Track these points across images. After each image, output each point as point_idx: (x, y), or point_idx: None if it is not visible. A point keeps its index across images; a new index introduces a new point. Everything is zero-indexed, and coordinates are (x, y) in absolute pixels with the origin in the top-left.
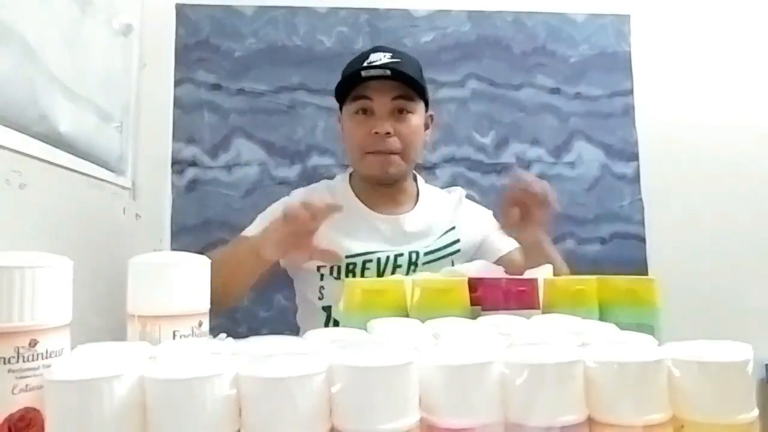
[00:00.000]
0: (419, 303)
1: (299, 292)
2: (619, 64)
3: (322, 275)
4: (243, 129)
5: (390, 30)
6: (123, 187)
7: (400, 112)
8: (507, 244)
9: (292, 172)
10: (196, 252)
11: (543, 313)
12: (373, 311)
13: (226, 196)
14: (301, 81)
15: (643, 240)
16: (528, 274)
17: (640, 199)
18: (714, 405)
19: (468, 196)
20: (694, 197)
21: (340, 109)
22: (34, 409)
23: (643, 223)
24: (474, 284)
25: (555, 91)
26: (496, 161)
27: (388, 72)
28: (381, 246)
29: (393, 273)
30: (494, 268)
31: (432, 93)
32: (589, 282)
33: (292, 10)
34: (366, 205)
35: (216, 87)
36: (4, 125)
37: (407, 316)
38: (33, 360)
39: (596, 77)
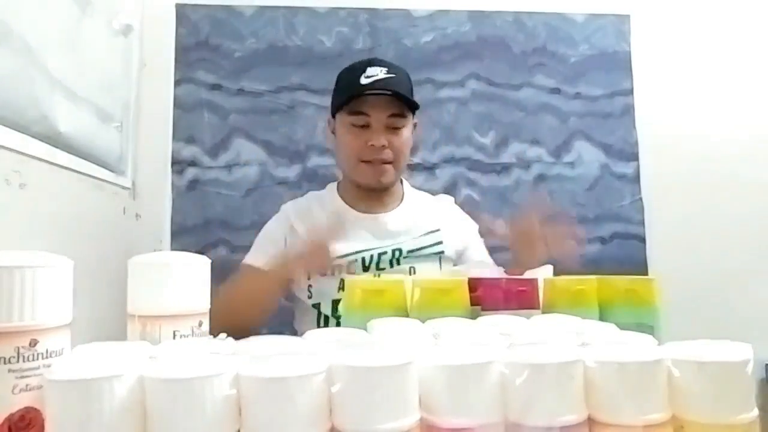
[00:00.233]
0: (419, 303)
1: (289, 294)
2: (619, 64)
3: (309, 275)
4: (243, 129)
5: (390, 30)
6: (123, 187)
7: (394, 127)
8: (485, 257)
9: (291, 172)
10: (196, 252)
11: (543, 313)
12: (373, 311)
13: (226, 196)
14: (301, 81)
15: (643, 240)
16: (528, 274)
17: (640, 199)
18: (714, 405)
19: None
20: (694, 197)
21: (332, 114)
22: (34, 409)
23: (643, 223)
24: (474, 284)
25: (555, 91)
26: (496, 161)
27: (389, 92)
28: (366, 244)
29: (378, 269)
30: (497, 269)
31: (432, 93)
32: (589, 282)
33: (292, 10)
34: (354, 208)
35: (216, 87)
36: (4, 125)
37: (407, 316)
38: (33, 360)
39: (596, 77)
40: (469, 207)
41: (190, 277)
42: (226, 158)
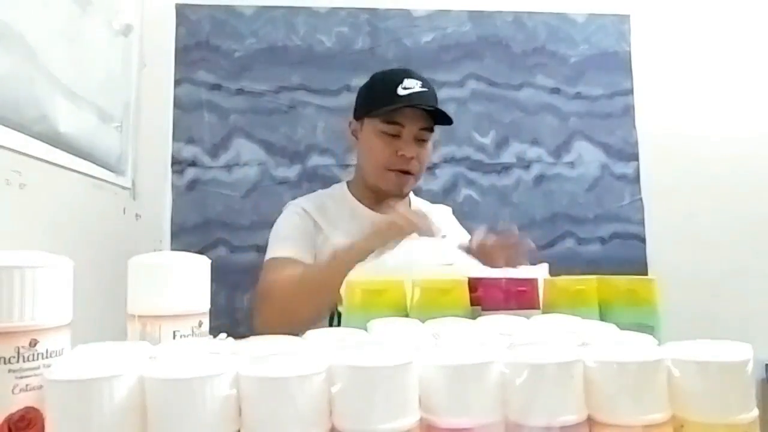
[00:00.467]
0: (419, 303)
1: None
2: (619, 64)
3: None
4: (243, 129)
5: (390, 30)
6: (123, 187)
7: (422, 140)
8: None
9: (291, 172)
10: (196, 252)
11: (543, 313)
12: (373, 311)
13: (226, 196)
14: (301, 81)
15: (643, 240)
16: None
17: (640, 199)
18: (714, 405)
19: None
20: (694, 197)
21: (356, 117)
22: (34, 409)
23: (643, 223)
24: (474, 284)
25: (555, 91)
26: (496, 161)
27: (430, 107)
28: None
29: None
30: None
31: None
32: (589, 282)
33: (292, 10)
34: (367, 208)
35: (216, 87)
36: (4, 125)
37: (407, 316)
38: (33, 360)
39: (596, 77)
40: (469, 207)
41: (190, 277)
42: (226, 158)
